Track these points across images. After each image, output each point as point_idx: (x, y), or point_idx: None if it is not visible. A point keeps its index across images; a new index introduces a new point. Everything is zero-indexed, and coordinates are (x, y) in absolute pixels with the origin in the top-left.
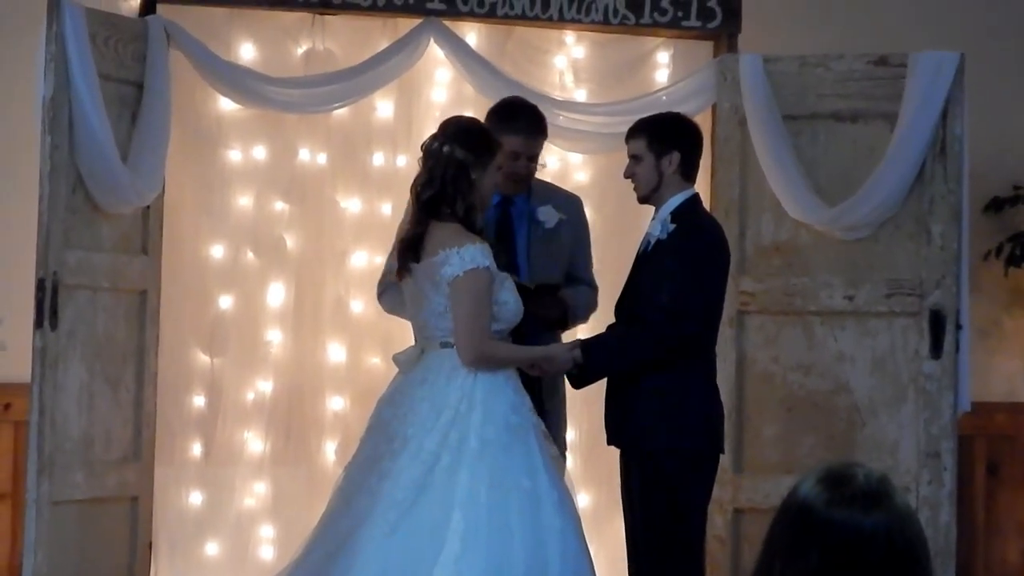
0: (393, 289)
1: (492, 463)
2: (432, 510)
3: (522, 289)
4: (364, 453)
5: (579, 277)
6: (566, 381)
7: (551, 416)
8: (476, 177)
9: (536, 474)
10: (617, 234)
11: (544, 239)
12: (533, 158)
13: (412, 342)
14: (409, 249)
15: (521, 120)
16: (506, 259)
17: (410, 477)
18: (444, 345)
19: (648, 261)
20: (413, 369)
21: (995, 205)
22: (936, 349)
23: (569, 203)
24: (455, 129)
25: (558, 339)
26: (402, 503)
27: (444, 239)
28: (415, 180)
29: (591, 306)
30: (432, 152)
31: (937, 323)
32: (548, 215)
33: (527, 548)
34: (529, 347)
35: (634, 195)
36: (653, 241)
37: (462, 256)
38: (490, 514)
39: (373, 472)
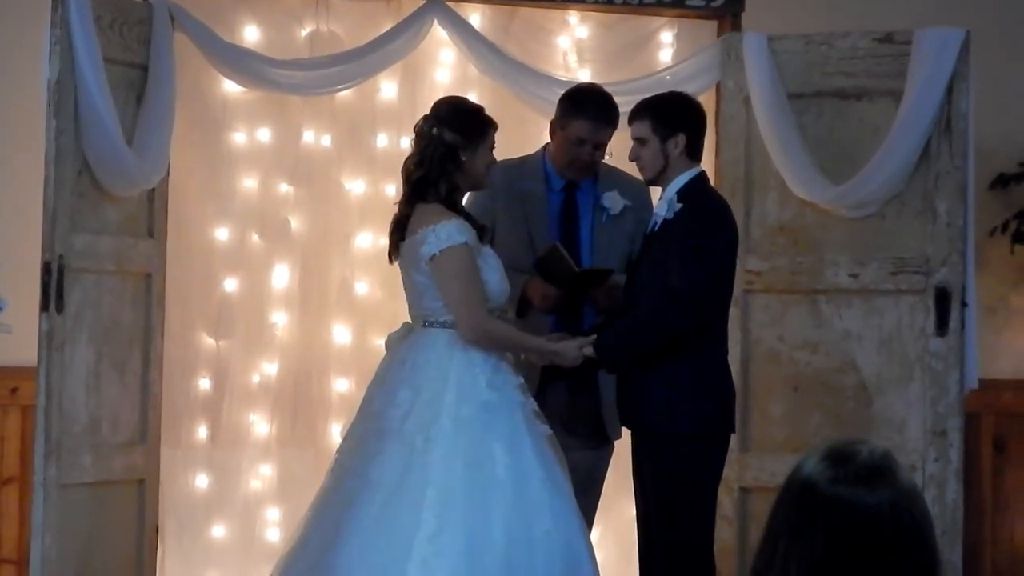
0: None
1: (469, 441)
2: (410, 492)
3: (567, 273)
4: (353, 435)
5: None
6: None
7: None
8: (466, 159)
9: (519, 451)
10: None
11: (608, 225)
12: (600, 146)
13: None
14: (397, 230)
15: (589, 107)
16: (484, 237)
17: (393, 459)
18: (427, 324)
19: (655, 241)
20: (398, 349)
21: (1001, 182)
22: (942, 327)
23: (634, 188)
24: (447, 110)
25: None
26: (386, 485)
27: (424, 218)
28: (406, 160)
29: None
30: (423, 133)
31: (943, 300)
32: (613, 201)
33: (508, 525)
34: (540, 338)
35: (640, 174)
36: (660, 221)
37: (438, 234)
38: (466, 491)
39: (361, 454)
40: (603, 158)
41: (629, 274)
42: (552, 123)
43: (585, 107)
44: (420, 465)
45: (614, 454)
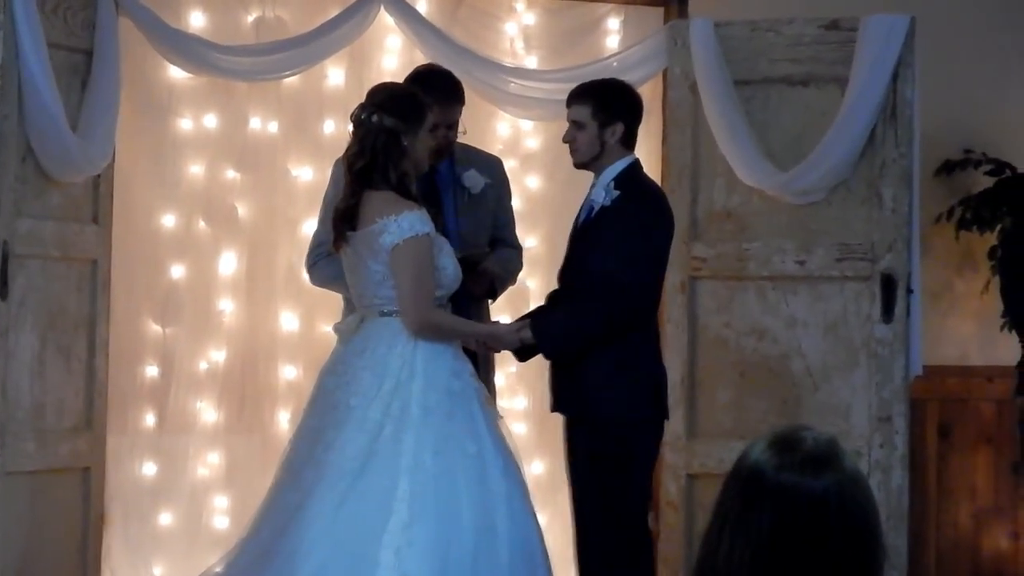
0: (325, 262)
1: (436, 430)
2: (379, 479)
3: None
4: (308, 425)
5: (504, 239)
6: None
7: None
8: (408, 144)
9: (481, 439)
10: (569, 201)
11: (471, 205)
12: (451, 126)
13: None
14: (344, 219)
15: (436, 89)
16: (437, 226)
17: (355, 447)
18: (384, 314)
19: (593, 228)
20: (353, 338)
21: (946, 168)
22: (888, 313)
23: (491, 165)
24: (383, 97)
25: (486, 307)
26: (349, 474)
27: (381, 207)
28: (346, 150)
29: (516, 269)
30: (362, 122)
31: (889, 287)
32: (474, 181)
33: (475, 514)
34: (476, 323)
35: (572, 156)
36: (597, 208)
37: (400, 224)
38: (437, 480)
39: (318, 443)
40: (457, 137)
41: (564, 260)
42: None
43: (431, 91)
44: (389, 453)
45: (559, 437)
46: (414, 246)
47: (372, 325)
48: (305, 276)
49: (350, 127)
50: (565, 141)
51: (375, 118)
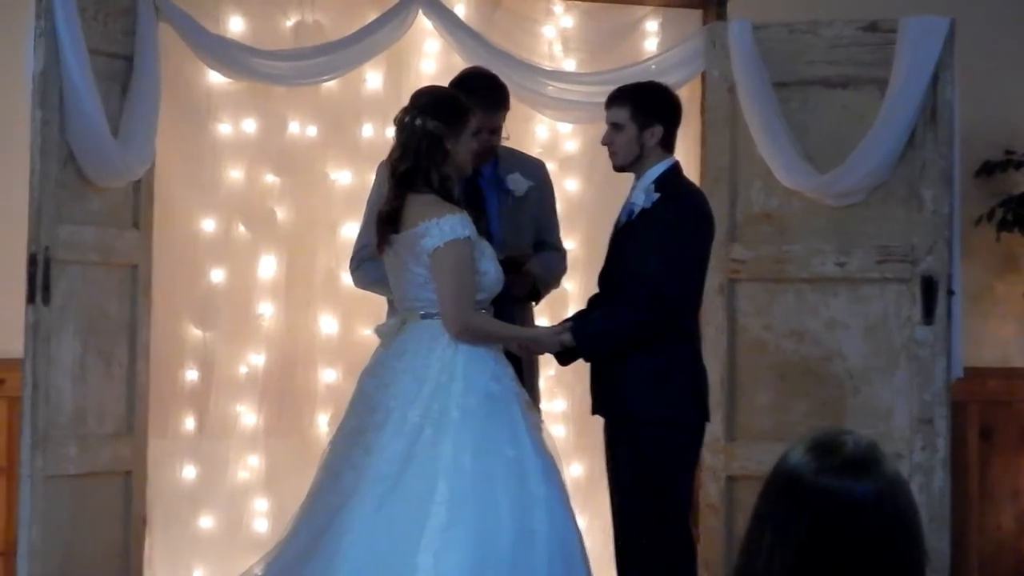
0: (368, 265)
1: (475, 433)
2: (417, 482)
3: None
4: (348, 426)
5: (547, 242)
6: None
7: (529, 389)
8: (451, 147)
9: (520, 443)
10: (607, 204)
11: (515, 208)
12: (495, 131)
13: None
14: (388, 222)
15: (480, 95)
16: (480, 231)
17: (395, 450)
18: (425, 316)
19: (633, 230)
20: (394, 341)
21: (986, 170)
22: (928, 315)
23: (535, 168)
24: (426, 100)
25: (530, 309)
26: (388, 477)
27: (423, 211)
28: (390, 154)
29: (561, 272)
30: (405, 125)
31: (929, 289)
32: (517, 183)
33: (514, 517)
34: (517, 327)
35: (611, 159)
36: (637, 210)
37: (442, 227)
38: (475, 483)
39: (358, 446)
40: (500, 141)
41: (605, 264)
42: None
43: (473, 96)
44: (428, 456)
45: (598, 439)
46: (455, 249)
47: (413, 328)
48: (345, 279)
49: (391, 131)
50: (604, 143)
51: (418, 121)
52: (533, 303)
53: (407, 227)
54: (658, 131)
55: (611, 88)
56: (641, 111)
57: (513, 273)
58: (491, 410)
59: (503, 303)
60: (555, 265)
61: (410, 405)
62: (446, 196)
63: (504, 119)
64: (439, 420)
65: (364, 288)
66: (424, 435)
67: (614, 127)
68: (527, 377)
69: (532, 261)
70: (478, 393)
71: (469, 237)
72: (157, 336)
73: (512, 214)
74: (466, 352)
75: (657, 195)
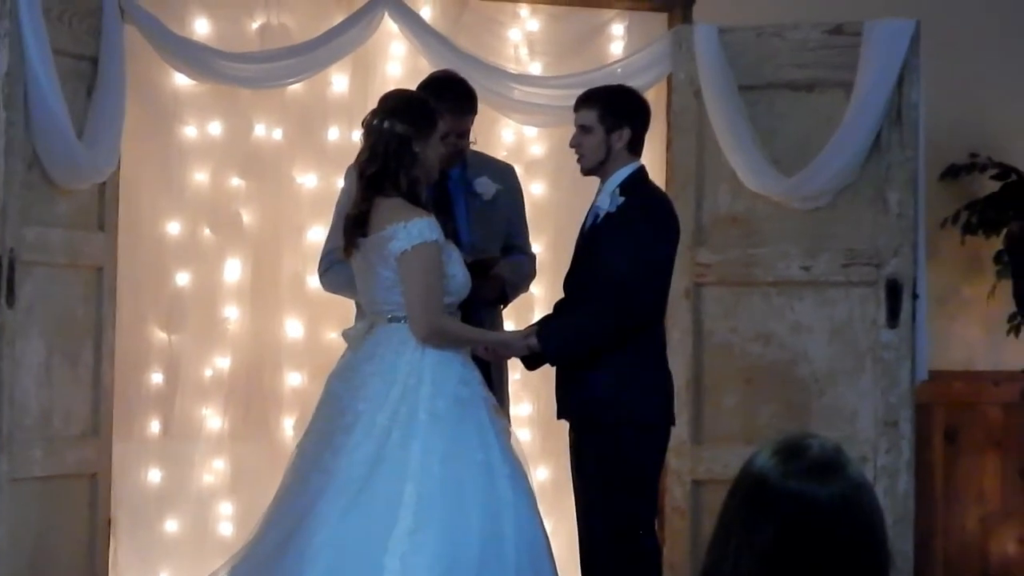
0: (337, 268)
1: (444, 436)
2: (386, 485)
3: None
4: (316, 429)
5: (516, 245)
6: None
7: (497, 393)
8: (419, 150)
9: (488, 447)
10: (573, 208)
11: (483, 211)
12: (463, 135)
13: None
14: (356, 226)
15: (449, 98)
16: (448, 234)
17: (363, 453)
18: (392, 320)
19: (599, 234)
20: (362, 344)
21: (952, 172)
22: (893, 318)
23: (504, 172)
24: (395, 103)
25: (499, 313)
26: (356, 480)
27: (391, 214)
28: (358, 157)
29: (530, 275)
30: (373, 128)
31: (894, 292)
32: (485, 187)
33: (482, 521)
34: (484, 330)
35: (578, 162)
36: (602, 214)
37: (409, 230)
38: (443, 487)
39: (326, 448)
40: (468, 146)
41: (570, 267)
42: None
43: (442, 100)
44: (396, 459)
45: (564, 443)
46: (423, 252)
47: (381, 331)
48: (311, 282)
49: (357, 134)
50: (572, 146)
51: (386, 124)
52: (502, 306)
53: (375, 230)
54: (626, 134)
55: (577, 91)
56: (609, 114)
57: (481, 277)
58: (460, 414)
59: (472, 306)
60: (524, 269)
61: (379, 408)
62: (414, 200)
63: (472, 123)
64: (407, 423)
65: (333, 292)
66: (392, 438)
67: (582, 129)
68: (496, 381)
69: (500, 264)
70: (447, 397)
71: (437, 240)
72: (123, 338)
73: (480, 218)
74: (434, 356)
75: (622, 199)
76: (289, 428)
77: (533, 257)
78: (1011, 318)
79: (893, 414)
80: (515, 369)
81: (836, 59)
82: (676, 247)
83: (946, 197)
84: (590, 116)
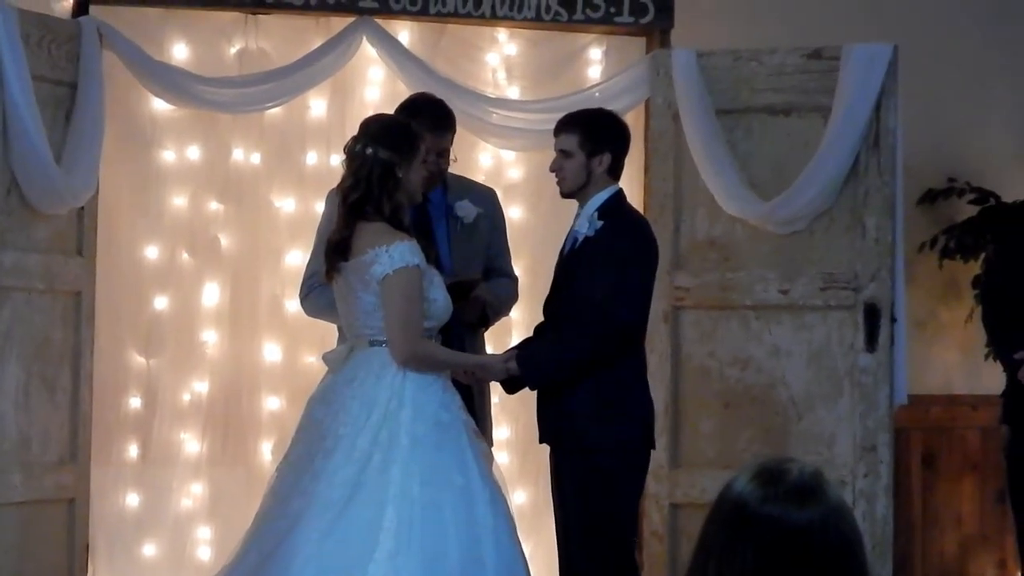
0: (318, 292)
1: (424, 460)
2: (366, 509)
3: None
4: (296, 452)
5: (498, 268)
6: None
7: (480, 417)
8: (402, 175)
9: (468, 471)
10: (551, 232)
11: (464, 234)
12: (442, 154)
13: None
14: (337, 250)
15: (427, 118)
16: (430, 258)
17: (344, 477)
18: (373, 343)
19: (578, 258)
20: (343, 368)
21: (929, 197)
22: (871, 342)
23: (485, 196)
24: (377, 129)
25: (480, 336)
26: (336, 503)
27: (372, 238)
28: (340, 183)
29: (511, 298)
30: (356, 154)
31: (872, 316)
32: (466, 210)
33: (462, 545)
34: (464, 354)
35: (559, 186)
36: (581, 238)
37: (391, 255)
38: (424, 511)
39: (306, 472)
40: (448, 165)
41: (550, 291)
42: None
43: (421, 119)
44: (376, 483)
45: (542, 467)
46: (404, 277)
47: (362, 355)
48: (290, 306)
49: (336, 158)
50: (552, 170)
51: (369, 150)
52: (483, 329)
53: (356, 254)
54: (607, 159)
55: (556, 115)
56: (590, 138)
57: (462, 298)
58: (440, 438)
59: (453, 329)
60: (505, 291)
61: (359, 432)
62: (396, 224)
63: (452, 142)
64: (388, 447)
65: (314, 315)
66: (373, 462)
67: (563, 154)
68: (478, 406)
69: (481, 287)
70: (427, 421)
71: (419, 265)
72: (101, 363)
73: (461, 241)
74: (415, 380)
75: (601, 223)
76: (267, 452)
77: (515, 280)
78: (989, 342)
79: (871, 438)
80: (494, 392)
81: (813, 84)
82: (655, 270)
83: (924, 221)
84: (571, 141)
